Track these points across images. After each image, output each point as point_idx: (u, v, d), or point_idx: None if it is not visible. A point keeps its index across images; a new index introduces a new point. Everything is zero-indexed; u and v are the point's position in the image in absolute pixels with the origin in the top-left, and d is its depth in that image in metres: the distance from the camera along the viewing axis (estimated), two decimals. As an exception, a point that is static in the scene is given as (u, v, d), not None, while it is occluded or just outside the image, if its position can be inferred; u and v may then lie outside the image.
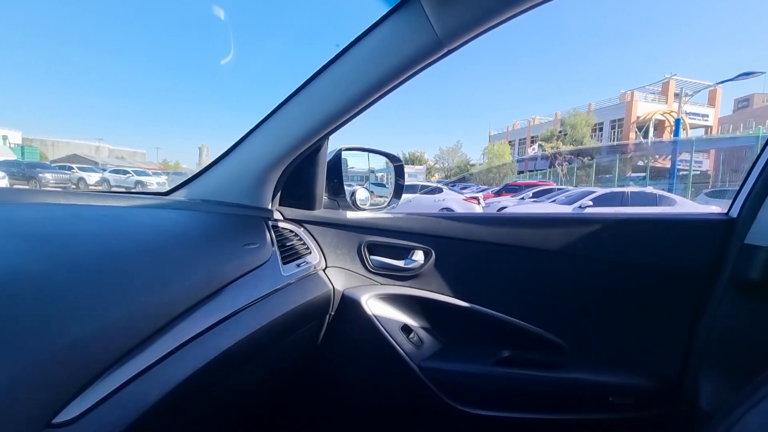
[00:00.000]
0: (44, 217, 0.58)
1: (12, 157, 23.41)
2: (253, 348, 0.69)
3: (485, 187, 22.01)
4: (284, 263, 0.86)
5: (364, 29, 0.79)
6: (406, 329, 0.99)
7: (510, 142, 34.74)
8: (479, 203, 10.44)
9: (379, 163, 1.38)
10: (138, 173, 19.14)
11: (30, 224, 0.53)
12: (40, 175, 15.23)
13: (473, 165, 37.29)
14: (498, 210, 10.62)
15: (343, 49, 0.81)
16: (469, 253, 0.98)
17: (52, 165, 19.94)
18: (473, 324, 1.00)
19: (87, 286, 0.48)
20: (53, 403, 0.39)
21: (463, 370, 0.95)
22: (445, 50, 0.75)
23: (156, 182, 17.29)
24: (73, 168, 18.19)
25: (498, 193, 15.94)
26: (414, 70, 0.79)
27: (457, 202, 10.04)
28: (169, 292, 0.57)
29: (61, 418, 0.39)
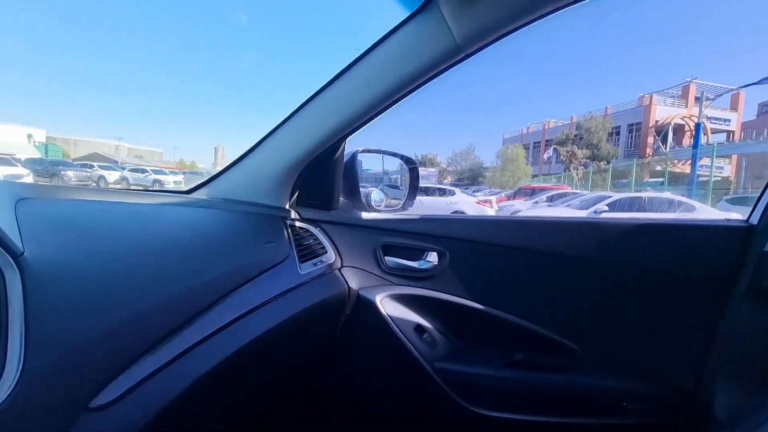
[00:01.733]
0: (79, 212, 0.61)
1: (36, 155, 24.25)
2: (271, 343, 0.71)
3: (498, 190, 21.81)
4: (301, 262, 0.89)
5: (384, 34, 0.80)
6: (419, 330, 1.00)
7: (524, 145, 34.33)
8: (492, 206, 10.38)
9: (393, 165, 1.39)
10: (155, 172, 19.58)
11: (67, 218, 0.56)
12: (63, 172, 15.69)
13: (486, 168, 37.08)
14: (511, 213, 10.53)
15: (363, 53, 0.82)
16: (483, 256, 0.99)
17: (74, 163, 20.55)
18: (486, 326, 1.00)
19: (120, 278, 0.50)
20: (90, 388, 0.41)
21: (476, 371, 0.96)
22: (463, 54, 0.76)
23: (173, 181, 17.63)
24: (93, 166, 18.70)
25: (511, 197, 15.79)
26: (432, 74, 0.80)
27: (469, 205, 9.99)
28: (194, 286, 0.59)
29: (97, 402, 0.41)
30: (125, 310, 0.47)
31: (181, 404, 0.50)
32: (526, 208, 10.99)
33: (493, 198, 11.94)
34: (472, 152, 40.31)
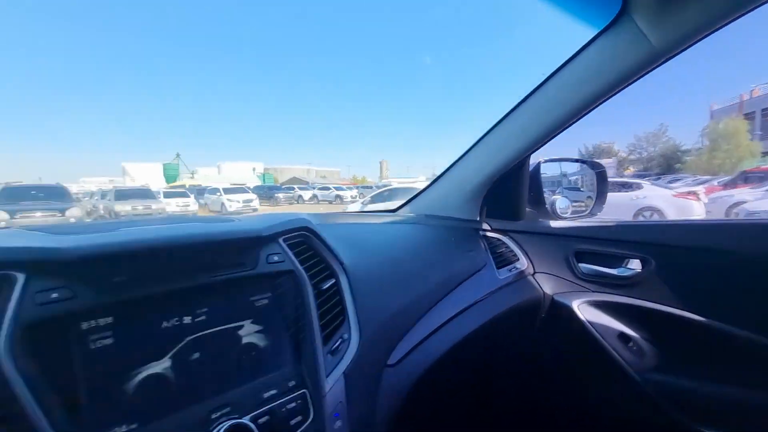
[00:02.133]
0: (348, 232, 0.88)
1: (258, 183, 32.59)
2: (483, 337, 0.85)
3: (708, 177, 17.18)
4: (498, 268, 1.00)
5: (573, 52, 0.84)
6: (623, 337, 0.97)
7: (746, 115, 25.95)
8: (699, 199, 8.24)
9: (572, 167, 1.37)
10: (336, 188, 23.47)
11: (344, 237, 0.82)
12: (276, 195, 20.69)
13: (687, 151, 29.65)
14: (730, 206, 8.13)
15: (552, 73, 0.88)
16: (699, 264, 0.89)
17: (282, 187, 26.74)
18: (705, 339, 0.90)
19: (388, 280, 0.73)
20: (387, 351, 0.63)
21: (694, 386, 0.87)
22: (664, 58, 0.74)
23: (350, 195, 20.88)
24: (294, 188, 23.86)
25: (729, 185, 12.22)
26: (628, 83, 0.80)
27: (664, 199, 8.17)
28: (430, 287, 0.78)
29: (390, 360, 0.63)
30: (398, 299, 0.69)
31: (430, 375, 0.68)
32: (755, 199, 8.27)
33: (700, 188, 9.49)
34: (663, 134, 32.98)
